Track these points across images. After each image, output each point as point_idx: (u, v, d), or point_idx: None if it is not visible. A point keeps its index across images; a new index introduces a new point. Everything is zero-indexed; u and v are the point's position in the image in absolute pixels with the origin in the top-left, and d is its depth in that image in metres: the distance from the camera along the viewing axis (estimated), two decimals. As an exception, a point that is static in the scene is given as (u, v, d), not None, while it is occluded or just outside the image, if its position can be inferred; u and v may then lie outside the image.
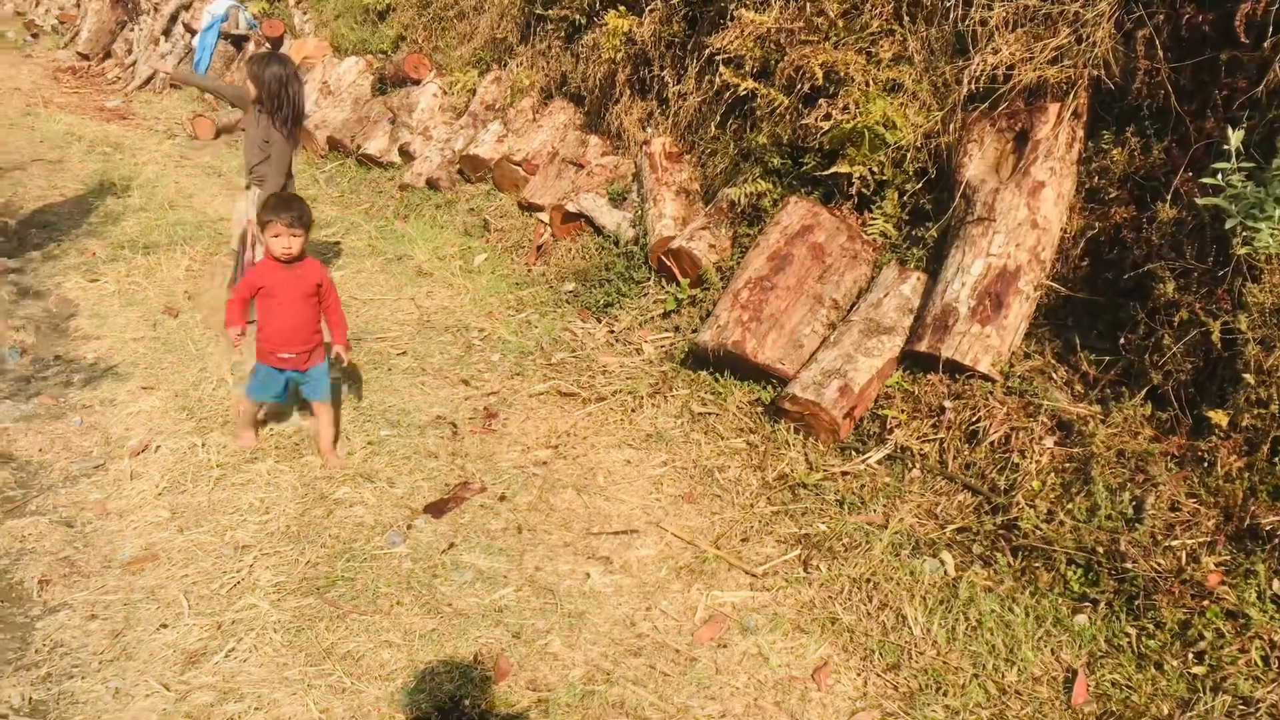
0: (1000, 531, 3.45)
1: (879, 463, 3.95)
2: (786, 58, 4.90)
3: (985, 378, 3.88)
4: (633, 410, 4.57)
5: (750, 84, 5.06)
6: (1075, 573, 3.21)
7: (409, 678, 2.88)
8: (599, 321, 5.43)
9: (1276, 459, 3.12)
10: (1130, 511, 3.24)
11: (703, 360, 4.63)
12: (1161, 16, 3.81)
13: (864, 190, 4.70)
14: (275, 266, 3.90)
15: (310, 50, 10.23)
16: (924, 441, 3.88)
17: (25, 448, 4.01)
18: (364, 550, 3.47)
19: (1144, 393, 3.55)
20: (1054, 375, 3.84)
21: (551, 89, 7.51)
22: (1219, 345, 3.33)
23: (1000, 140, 4.34)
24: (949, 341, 3.92)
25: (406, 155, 8.08)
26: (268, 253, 3.91)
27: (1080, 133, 4.15)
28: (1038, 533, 3.34)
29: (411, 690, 2.83)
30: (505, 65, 8.04)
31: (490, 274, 6.32)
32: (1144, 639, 2.97)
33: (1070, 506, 3.36)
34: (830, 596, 3.33)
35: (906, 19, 4.61)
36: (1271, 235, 3.20)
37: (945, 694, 2.90)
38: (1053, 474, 3.50)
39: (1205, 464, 3.26)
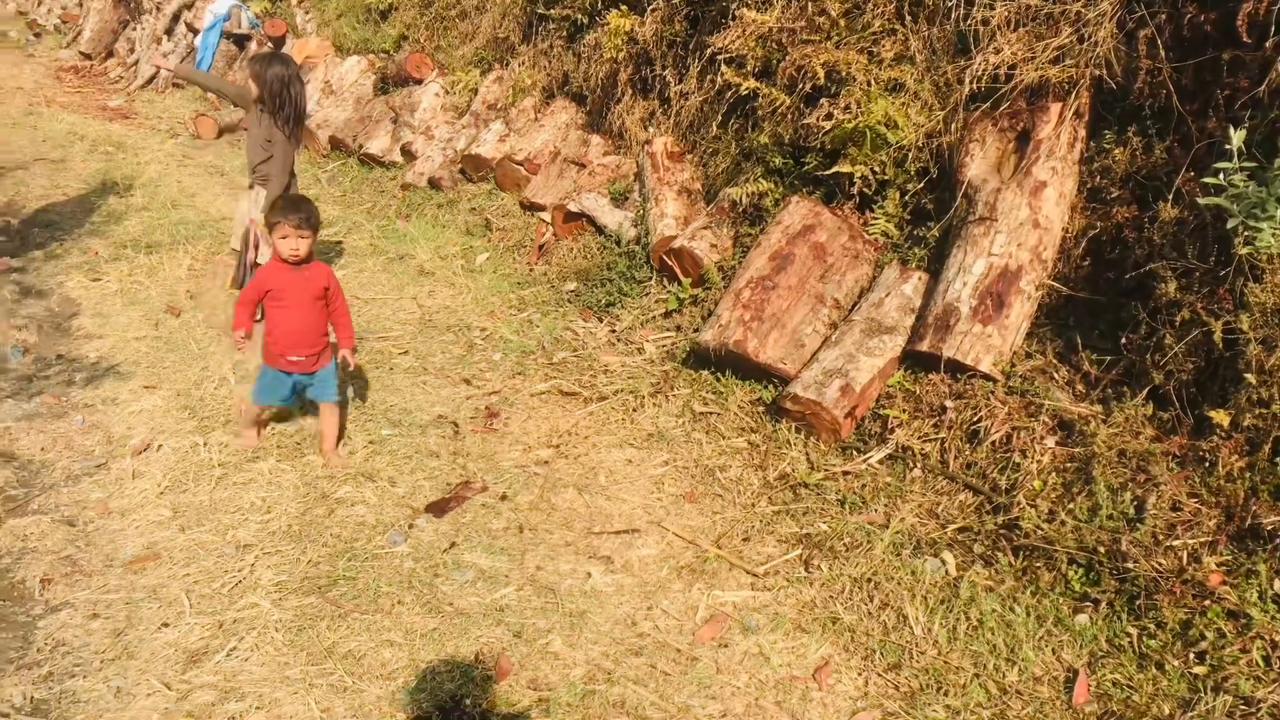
0: (1001, 531, 3.45)
1: (880, 462, 3.95)
2: (788, 57, 4.90)
3: (987, 377, 3.88)
4: (634, 410, 4.57)
5: (752, 83, 5.06)
6: (1076, 572, 3.21)
7: (410, 677, 2.88)
8: (600, 321, 5.43)
9: (1278, 459, 3.12)
10: (1131, 511, 3.24)
11: (704, 360, 4.63)
12: (1163, 16, 3.81)
13: (865, 190, 4.70)
14: (283, 268, 3.86)
15: (312, 49, 10.24)
16: (925, 441, 3.88)
17: (27, 447, 4.01)
18: (365, 549, 3.47)
19: (1145, 392, 3.55)
20: (1055, 375, 3.83)
21: (553, 88, 7.51)
22: (1220, 345, 3.33)
23: (1002, 140, 4.33)
24: (950, 341, 3.92)
25: (408, 155, 8.08)
26: (275, 255, 3.88)
27: (1082, 132, 4.15)
28: (1039, 532, 3.34)
29: (413, 689, 2.83)
30: (507, 65, 8.04)
31: (492, 273, 6.32)
32: (1145, 639, 2.97)
33: (1071, 506, 3.35)
34: (831, 596, 3.33)
35: (908, 18, 4.61)
36: (1273, 235, 3.20)
37: (946, 694, 2.90)
38: (1054, 474, 3.50)
39: (1207, 464, 3.26)
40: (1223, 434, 3.26)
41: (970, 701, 2.86)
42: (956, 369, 3.96)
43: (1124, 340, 3.70)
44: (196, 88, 10.75)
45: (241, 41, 11.12)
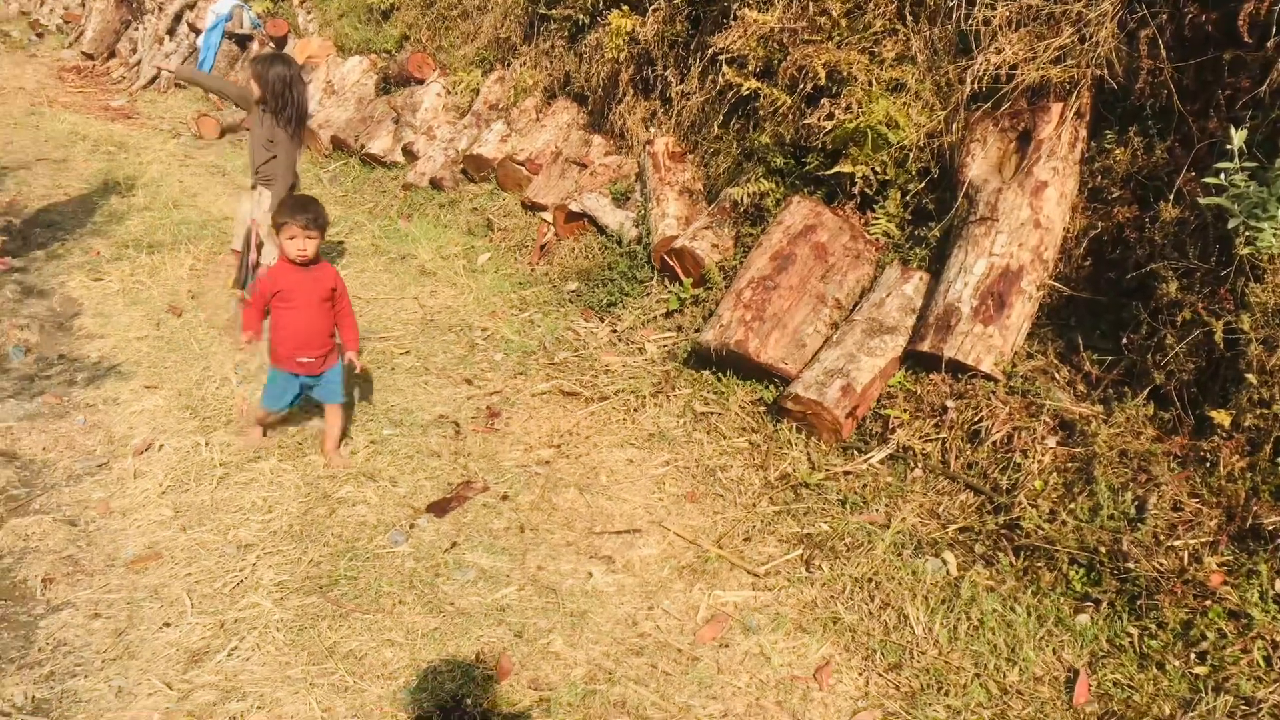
0: (1002, 531, 3.45)
1: (881, 462, 3.95)
2: (789, 57, 4.90)
3: (988, 377, 3.88)
4: (635, 410, 4.57)
5: (753, 83, 5.06)
6: (1077, 572, 3.21)
7: (411, 676, 2.89)
8: (602, 321, 5.44)
9: (1279, 459, 3.12)
10: (1132, 511, 3.24)
11: (705, 360, 4.64)
12: (1165, 16, 3.81)
13: (867, 190, 4.70)
14: (291, 269, 3.84)
15: (314, 50, 10.25)
16: (926, 441, 3.88)
17: (29, 446, 4.02)
18: (367, 549, 3.48)
19: (1146, 392, 3.54)
20: (1056, 375, 3.83)
21: (555, 89, 7.52)
22: (1221, 345, 3.33)
23: (1003, 140, 4.33)
24: (951, 341, 3.92)
25: (410, 155, 8.09)
26: (282, 255, 3.87)
27: (1083, 132, 4.15)
28: (1040, 532, 3.34)
29: (414, 689, 2.84)
30: (509, 65, 8.05)
31: (493, 273, 6.32)
32: (1146, 639, 2.97)
33: (1072, 506, 3.35)
34: (832, 596, 3.33)
35: (909, 18, 4.61)
36: (1274, 235, 3.20)
37: (947, 694, 2.90)
38: (1055, 474, 3.50)
39: (1207, 464, 3.26)
40: (1224, 434, 3.26)
41: (971, 701, 2.86)
42: (958, 369, 3.96)
43: (1125, 340, 3.70)
44: (198, 88, 10.76)
45: (243, 42, 11.13)
